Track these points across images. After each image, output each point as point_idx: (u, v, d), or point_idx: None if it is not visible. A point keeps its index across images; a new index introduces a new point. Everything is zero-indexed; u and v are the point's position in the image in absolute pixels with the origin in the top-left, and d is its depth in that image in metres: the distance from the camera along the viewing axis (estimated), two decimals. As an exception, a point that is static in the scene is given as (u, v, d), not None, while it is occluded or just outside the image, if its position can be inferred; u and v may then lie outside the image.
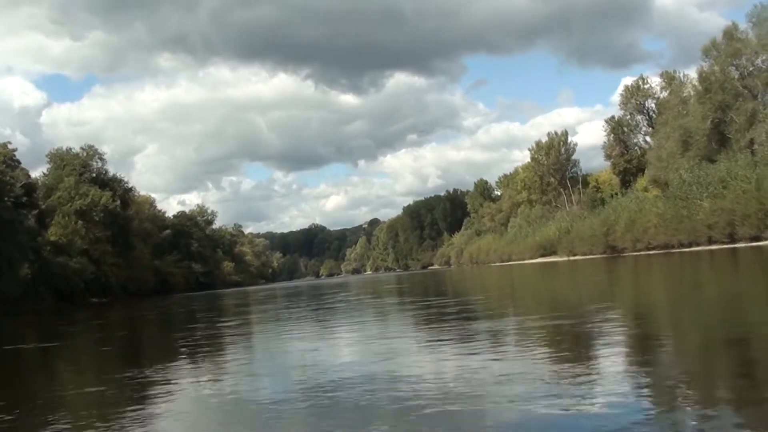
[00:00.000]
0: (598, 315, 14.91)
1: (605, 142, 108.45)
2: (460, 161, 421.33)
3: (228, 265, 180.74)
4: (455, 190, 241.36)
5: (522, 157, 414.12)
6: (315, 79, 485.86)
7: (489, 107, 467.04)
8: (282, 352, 13.62)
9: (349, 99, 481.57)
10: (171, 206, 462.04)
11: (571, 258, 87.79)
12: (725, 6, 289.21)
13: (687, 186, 65.23)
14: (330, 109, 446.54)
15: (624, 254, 73.01)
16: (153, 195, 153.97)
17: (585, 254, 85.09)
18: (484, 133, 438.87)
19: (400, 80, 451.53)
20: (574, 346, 11.01)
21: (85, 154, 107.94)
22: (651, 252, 67.49)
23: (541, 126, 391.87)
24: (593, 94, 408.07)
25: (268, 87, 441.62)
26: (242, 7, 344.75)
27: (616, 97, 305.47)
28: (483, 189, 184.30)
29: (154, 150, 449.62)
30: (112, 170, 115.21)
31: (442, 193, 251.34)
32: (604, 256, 77.73)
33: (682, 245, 63.59)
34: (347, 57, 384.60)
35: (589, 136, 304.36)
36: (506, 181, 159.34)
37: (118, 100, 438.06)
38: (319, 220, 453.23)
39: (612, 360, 9.40)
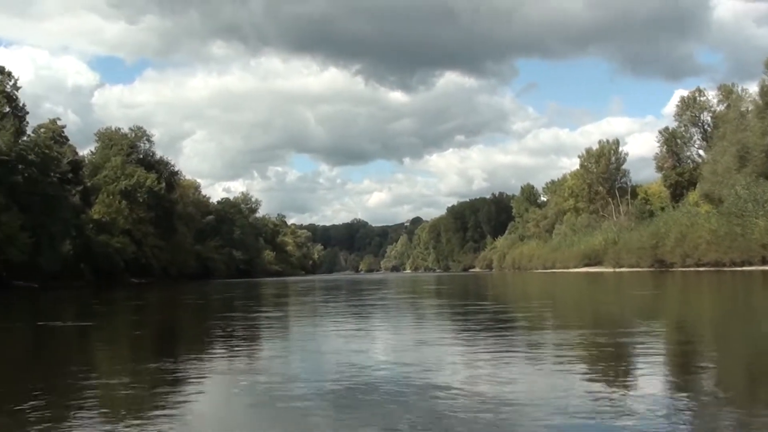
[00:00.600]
0: (646, 331, 14.51)
1: (657, 153, 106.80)
2: (506, 165, 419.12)
3: (269, 254, 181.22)
4: (501, 193, 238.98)
5: (569, 164, 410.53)
6: (365, 74, 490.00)
7: (539, 112, 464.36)
8: (317, 351, 12.74)
9: (398, 96, 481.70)
10: (216, 193, 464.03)
11: (617, 269, 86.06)
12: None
13: (743, 203, 63.37)
14: (378, 105, 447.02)
15: (672, 269, 71.32)
16: (199, 180, 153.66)
17: (631, 266, 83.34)
18: (532, 138, 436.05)
19: (450, 80, 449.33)
20: (614, 362, 10.57)
21: (133, 135, 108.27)
22: (701, 268, 65.72)
23: (591, 134, 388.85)
24: (645, 104, 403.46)
25: (318, 80, 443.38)
26: (296, 0, 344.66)
27: (668, 109, 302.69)
28: (529, 194, 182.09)
29: (202, 136, 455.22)
30: (159, 153, 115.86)
31: (487, 196, 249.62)
32: (652, 269, 76.06)
33: (734, 264, 61.83)
34: (398, 54, 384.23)
35: (639, 146, 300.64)
36: (553, 187, 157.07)
37: (169, 85, 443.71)
38: (361, 216, 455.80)
39: (652, 379, 9.03)
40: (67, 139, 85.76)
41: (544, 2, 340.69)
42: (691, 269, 66.75)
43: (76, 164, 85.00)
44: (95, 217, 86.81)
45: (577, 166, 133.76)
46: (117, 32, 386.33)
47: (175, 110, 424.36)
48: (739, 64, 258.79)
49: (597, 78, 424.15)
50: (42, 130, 79.20)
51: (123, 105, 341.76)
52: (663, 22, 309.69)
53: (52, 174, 70.64)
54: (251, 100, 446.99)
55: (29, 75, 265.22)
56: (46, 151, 70.34)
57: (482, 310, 23.20)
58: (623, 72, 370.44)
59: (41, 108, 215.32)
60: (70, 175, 79.23)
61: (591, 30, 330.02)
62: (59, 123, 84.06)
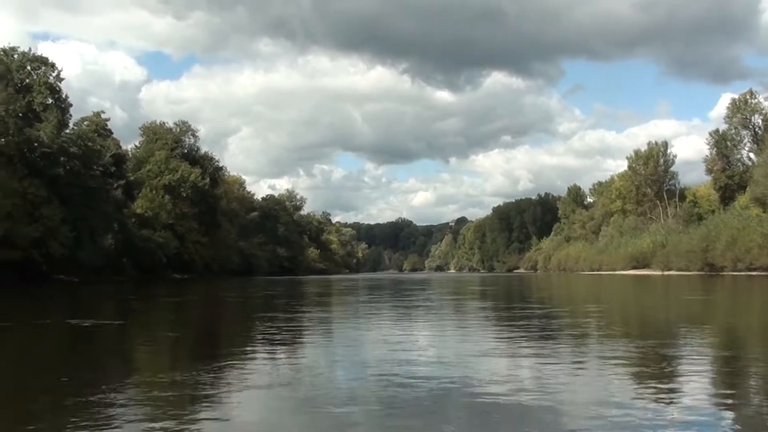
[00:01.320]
0: (698, 340, 14.06)
1: (707, 156, 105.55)
2: (552, 166, 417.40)
3: (313, 252, 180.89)
4: (547, 194, 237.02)
5: (615, 166, 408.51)
6: (412, 73, 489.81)
7: (585, 113, 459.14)
8: (360, 361, 11.76)
9: (444, 95, 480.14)
10: (261, 190, 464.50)
11: (666, 273, 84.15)
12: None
13: (798, 206, 61.38)
14: (425, 104, 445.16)
15: (722, 273, 69.38)
16: (244, 177, 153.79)
17: (680, 270, 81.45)
18: (578, 140, 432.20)
19: (496, 80, 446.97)
20: (662, 370, 10.19)
21: (178, 130, 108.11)
22: (752, 273, 63.75)
23: (637, 136, 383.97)
24: (691, 107, 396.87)
25: (365, 79, 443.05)
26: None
27: (714, 112, 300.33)
28: (576, 195, 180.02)
29: (248, 133, 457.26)
30: (204, 148, 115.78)
31: (532, 197, 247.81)
32: (701, 273, 74.14)
33: (788, 268, 59.98)
34: (445, 53, 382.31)
35: (685, 149, 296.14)
36: (601, 188, 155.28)
37: (216, 81, 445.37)
38: (406, 215, 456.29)
39: (698, 388, 8.71)
40: (111, 132, 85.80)
41: (591, 4, 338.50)
42: (742, 273, 64.76)
43: (120, 158, 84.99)
44: (138, 211, 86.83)
45: (623, 168, 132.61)
46: (165, 27, 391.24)
47: (222, 107, 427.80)
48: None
49: (643, 80, 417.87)
50: (85, 123, 79.32)
51: (170, 101, 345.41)
52: (710, 24, 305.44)
53: (94, 167, 70.55)
54: (298, 97, 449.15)
55: (76, 69, 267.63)
56: (89, 143, 70.30)
57: (529, 314, 22.01)
58: (670, 74, 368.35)
59: (88, 103, 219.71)
60: (113, 169, 79.29)
61: (638, 32, 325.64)
62: (103, 116, 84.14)
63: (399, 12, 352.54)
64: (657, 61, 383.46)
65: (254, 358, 12.04)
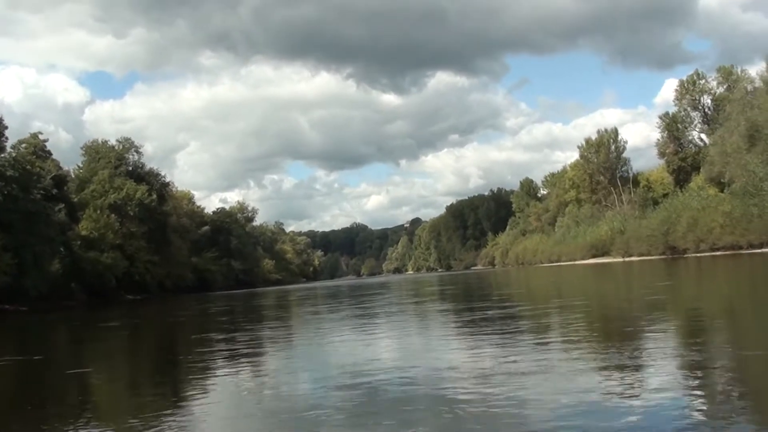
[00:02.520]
0: (669, 327, 13.70)
1: (659, 139, 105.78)
2: (501, 161, 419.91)
3: (268, 263, 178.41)
4: (499, 189, 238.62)
5: (564, 158, 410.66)
6: (357, 78, 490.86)
7: (531, 107, 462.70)
8: (319, 374, 10.93)
9: (390, 98, 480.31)
10: (213, 204, 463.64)
11: (627, 259, 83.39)
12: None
13: (758, 181, 60.44)
14: (372, 108, 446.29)
15: (686, 255, 68.53)
16: (194, 192, 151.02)
17: (641, 255, 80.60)
18: (526, 134, 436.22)
19: (441, 80, 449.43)
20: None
21: (121, 147, 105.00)
22: (716, 253, 62.89)
23: (584, 127, 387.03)
24: (636, 95, 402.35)
25: (311, 86, 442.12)
26: (285, 6, 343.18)
27: (659, 98, 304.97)
28: (529, 188, 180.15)
29: (196, 147, 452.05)
30: (151, 165, 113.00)
31: (485, 193, 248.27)
32: (663, 257, 73.35)
33: (751, 246, 59.11)
34: (389, 56, 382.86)
35: (632, 137, 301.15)
36: (553, 180, 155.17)
37: (160, 97, 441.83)
38: (360, 220, 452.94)
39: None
40: (50, 154, 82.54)
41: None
42: (706, 254, 63.86)
43: (61, 179, 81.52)
44: (83, 233, 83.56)
45: (572, 160, 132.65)
46: (105, 47, 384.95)
47: (168, 123, 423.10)
48: (727, 51, 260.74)
49: (588, 71, 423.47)
50: (23, 145, 76.12)
51: (115, 120, 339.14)
52: (650, 11, 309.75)
53: (33, 190, 67.35)
54: (244, 108, 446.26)
55: (18, 94, 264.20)
56: (27, 166, 67.19)
57: (491, 315, 20.11)
58: (613, 63, 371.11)
59: (31, 127, 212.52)
60: (54, 191, 75.87)
61: (579, 23, 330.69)
62: (41, 137, 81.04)
63: (340, 17, 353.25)
64: (600, 50, 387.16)
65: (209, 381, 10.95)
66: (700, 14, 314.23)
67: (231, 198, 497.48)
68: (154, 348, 19.74)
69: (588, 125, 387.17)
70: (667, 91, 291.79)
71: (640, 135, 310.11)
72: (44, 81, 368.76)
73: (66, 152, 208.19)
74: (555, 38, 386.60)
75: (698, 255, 65.22)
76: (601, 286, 35.64)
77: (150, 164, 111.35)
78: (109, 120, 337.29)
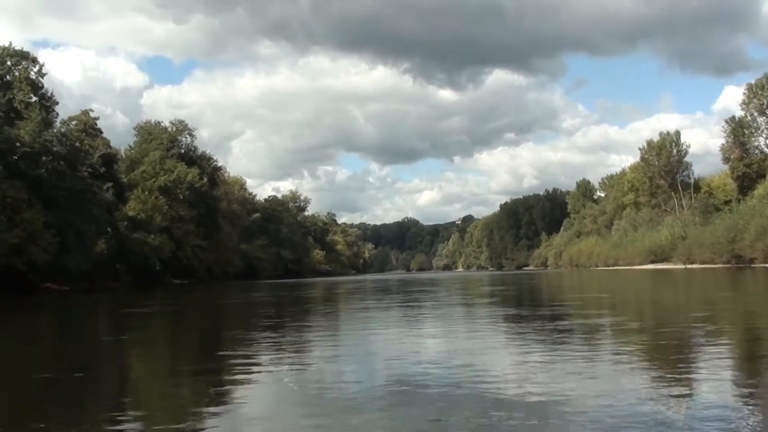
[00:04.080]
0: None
1: (724, 144, 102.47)
2: (556, 162, 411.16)
3: (318, 254, 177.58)
4: (555, 190, 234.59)
5: (619, 161, 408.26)
6: (413, 73, 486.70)
7: (588, 109, 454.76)
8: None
9: (447, 94, 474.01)
10: (266, 192, 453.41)
11: (688, 266, 79.90)
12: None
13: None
14: (427, 103, 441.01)
15: (753, 265, 65.11)
16: (248, 180, 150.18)
17: (704, 263, 77.15)
18: (581, 135, 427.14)
19: (499, 77, 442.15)
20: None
21: (174, 129, 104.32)
22: (787, 264, 59.64)
23: (640, 131, 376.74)
24: (694, 100, 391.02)
25: (367, 79, 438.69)
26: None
27: (717, 105, 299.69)
28: (585, 189, 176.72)
29: (251, 136, 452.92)
30: (205, 149, 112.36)
31: (537, 194, 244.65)
32: (728, 265, 69.96)
33: (827, 258, 55.78)
34: (446, 52, 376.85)
35: (690, 143, 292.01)
36: (611, 182, 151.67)
37: (217, 85, 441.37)
38: (411, 214, 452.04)
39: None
40: (101, 132, 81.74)
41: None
42: (775, 265, 60.64)
43: (110, 158, 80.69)
44: (130, 214, 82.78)
45: (627, 164, 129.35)
46: (164, 32, 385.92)
47: (224, 110, 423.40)
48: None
49: (646, 74, 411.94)
50: (73, 122, 75.21)
51: (172, 105, 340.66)
52: (712, 16, 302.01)
53: (81, 168, 66.17)
54: (300, 99, 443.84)
55: (77, 76, 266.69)
56: (76, 143, 66.02)
57: (562, 327, 17.80)
58: (672, 68, 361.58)
59: (94, 111, 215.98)
60: (102, 170, 75.00)
61: (639, 26, 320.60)
62: (92, 114, 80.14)
63: (399, 11, 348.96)
64: (659, 54, 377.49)
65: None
66: (763, 20, 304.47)
67: (284, 187, 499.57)
68: (182, 348, 17.59)
69: (645, 129, 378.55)
70: (726, 98, 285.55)
71: (698, 142, 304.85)
72: (104, 64, 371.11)
73: (123, 135, 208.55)
74: (614, 40, 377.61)
75: (766, 265, 61.90)
76: (668, 295, 32.88)
77: (206, 150, 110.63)
78: (167, 105, 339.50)
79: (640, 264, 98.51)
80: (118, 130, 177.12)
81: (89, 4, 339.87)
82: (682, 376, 9.04)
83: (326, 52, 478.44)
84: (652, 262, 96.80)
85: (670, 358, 10.73)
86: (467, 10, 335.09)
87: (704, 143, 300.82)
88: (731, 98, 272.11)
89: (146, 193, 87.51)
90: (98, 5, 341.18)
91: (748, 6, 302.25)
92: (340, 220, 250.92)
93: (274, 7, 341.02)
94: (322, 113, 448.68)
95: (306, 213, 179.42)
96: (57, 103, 69.39)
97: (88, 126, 77.37)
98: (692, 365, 10.07)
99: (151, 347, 15.63)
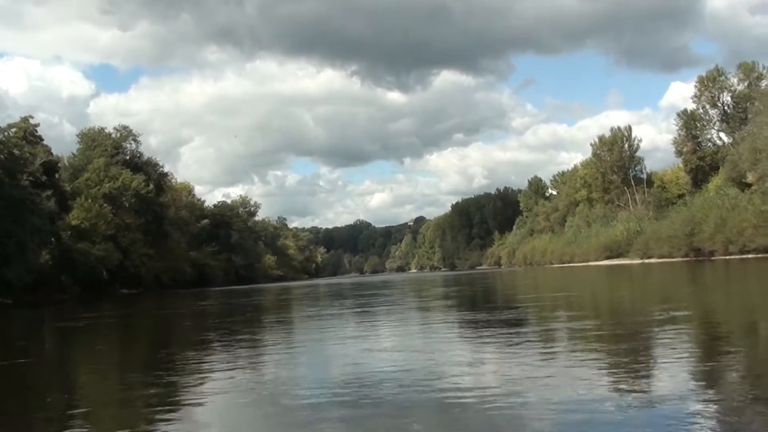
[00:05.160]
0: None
1: (676, 137, 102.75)
2: (506, 162, 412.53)
3: (270, 259, 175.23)
4: (506, 188, 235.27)
5: (568, 158, 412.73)
6: (361, 75, 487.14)
7: (537, 107, 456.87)
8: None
9: (395, 96, 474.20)
10: (216, 199, 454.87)
11: (646, 261, 79.31)
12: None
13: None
14: (376, 105, 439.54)
15: (713, 258, 64.50)
16: (198, 187, 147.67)
17: (662, 257, 76.60)
18: (531, 134, 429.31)
19: (447, 78, 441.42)
20: None
21: (118, 135, 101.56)
22: (748, 256, 58.93)
23: (589, 128, 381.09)
24: (642, 97, 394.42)
25: (315, 82, 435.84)
26: (290, 1, 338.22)
27: (664, 101, 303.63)
28: (537, 187, 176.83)
29: (200, 142, 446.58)
30: (155, 157, 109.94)
31: (488, 193, 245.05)
32: (687, 259, 69.38)
33: (788, 249, 55.21)
34: (394, 54, 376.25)
35: (641, 138, 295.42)
36: (563, 178, 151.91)
37: (165, 91, 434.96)
38: (363, 217, 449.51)
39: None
40: (41, 139, 78.50)
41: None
42: (735, 257, 59.96)
43: (51, 165, 77.42)
44: (73, 223, 79.79)
45: (576, 161, 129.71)
46: (110, 40, 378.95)
47: (172, 117, 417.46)
48: (734, 54, 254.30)
49: (594, 72, 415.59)
50: (12, 129, 72.06)
51: (119, 113, 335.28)
52: (657, 13, 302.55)
53: (20, 176, 63.32)
54: (248, 104, 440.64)
55: (23, 86, 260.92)
56: (15, 150, 63.18)
57: (518, 332, 16.36)
58: (619, 65, 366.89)
59: (36, 119, 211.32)
60: (43, 178, 72.01)
61: (585, 23, 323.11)
62: (32, 121, 76.93)
63: (346, 14, 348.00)
64: (606, 51, 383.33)
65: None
66: (708, 16, 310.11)
67: (234, 193, 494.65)
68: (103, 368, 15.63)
69: (593, 127, 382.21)
70: (673, 94, 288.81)
71: (646, 138, 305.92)
72: (49, 73, 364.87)
73: (70, 145, 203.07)
74: (561, 38, 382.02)
75: (727, 257, 61.31)
76: (630, 292, 31.56)
77: (154, 157, 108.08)
78: (114, 113, 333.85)
79: (596, 260, 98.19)
80: (66, 140, 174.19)
81: (33, 12, 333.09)
82: (641, 377, 8.75)
83: (273, 56, 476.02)
84: (608, 257, 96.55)
85: (637, 359, 10.14)
86: (414, 12, 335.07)
87: (652, 139, 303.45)
88: (678, 94, 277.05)
89: (90, 201, 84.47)
90: (43, 14, 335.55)
91: (693, 2, 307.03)
92: (292, 225, 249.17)
93: (221, 12, 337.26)
94: (271, 118, 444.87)
95: (256, 218, 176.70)
96: (-5, 111, 66.54)
97: (28, 133, 74.22)
98: (655, 365, 9.59)
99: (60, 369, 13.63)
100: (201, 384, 9.87)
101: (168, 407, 8.31)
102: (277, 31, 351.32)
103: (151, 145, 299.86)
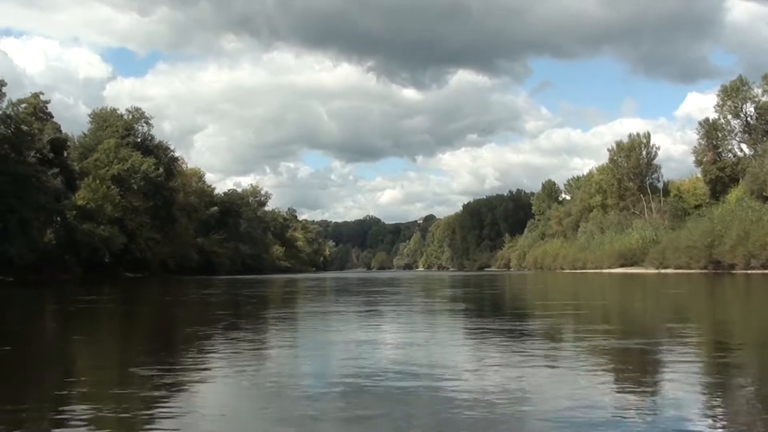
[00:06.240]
0: None
1: (696, 147, 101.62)
2: (518, 164, 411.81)
3: (278, 250, 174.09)
4: (518, 191, 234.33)
5: (581, 164, 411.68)
6: (377, 71, 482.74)
7: (552, 112, 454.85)
8: None
9: (410, 93, 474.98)
10: (227, 187, 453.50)
11: (662, 271, 77.46)
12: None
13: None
14: (391, 102, 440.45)
15: (733, 271, 62.65)
16: (210, 175, 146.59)
17: (679, 268, 74.71)
18: (545, 138, 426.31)
19: (462, 78, 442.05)
20: None
21: (130, 117, 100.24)
22: (770, 271, 57.21)
23: (603, 135, 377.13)
24: (657, 106, 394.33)
25: (331, 76, 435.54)
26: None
27: (680, 111, 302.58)
28: (551, 190, 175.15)
29: (214, 130, 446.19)
30: (166, 141, 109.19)
31: (499, 195, 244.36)
32: (705, 271, 67.56)
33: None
34: (410, 51, 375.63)
35: (659, 145, 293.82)
36: (577, 183, 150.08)
37: (180, 78, 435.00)
38: (373, 213, 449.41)
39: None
40: (51, 116, 77.09)
41: (556, 1, 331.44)
42: (757, 272, 58.13)
43: (59, 143, 76.03)
44: (79, 203, 78.41)
45: (589, 167, 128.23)
46: (129, 23, 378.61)
47: (187, 104, 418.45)
48: (753, 66, 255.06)
49: (610, 78, 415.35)
50: (22, 105, 70.58)
51: (135, 98, 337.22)
52: (677, 22, 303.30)
53: (27, 152, 61.88)
54: (263, 94, 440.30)
55: (40, 66, 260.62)
56: (23, 126, 61.73)
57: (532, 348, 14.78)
58: (636, 73, 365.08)
59: (52, 99, 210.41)
60: (51, 155, 70.61)
61: (604, 29, 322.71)
62: (42, 98, 75.34)
63: (364, 9, 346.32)
64: (623, 58, 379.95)
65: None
66: (728, 27, 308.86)
67: (246, 183, 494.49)
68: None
69: (607, 134, 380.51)
70: (689, 105, 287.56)
71: (660, 147, 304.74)
72: (67, 54, 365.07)
73: (85, 126, 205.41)
74: (579, 43, 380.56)
75: (748, 272, 59.48)
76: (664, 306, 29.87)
77: (165, 141, 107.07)
78: (129, 97, 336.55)
79: (610, 267, 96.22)
80: (80, 121, 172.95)
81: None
82: (647, 390, 8.40)
83: (290, 48, 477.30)
84: (622, 265, 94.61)
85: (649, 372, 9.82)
86: (432, 10, 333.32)
87: (666, 149, 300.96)
88: (694, 104, 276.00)
89: (97, 181, 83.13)
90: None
91: (713, 13, 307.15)
92: (301, 217, 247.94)
93: (239, 1, 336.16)
94: (285, 109, 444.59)
95: (266, 208, 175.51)
96: (5, 84, 65.02)
97: (38, 109, 72.75)
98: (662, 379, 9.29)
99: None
100: (192, 387, 8.76)
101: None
102: (295, 23, 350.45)
103: (165, 131, 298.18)
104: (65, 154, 79.43)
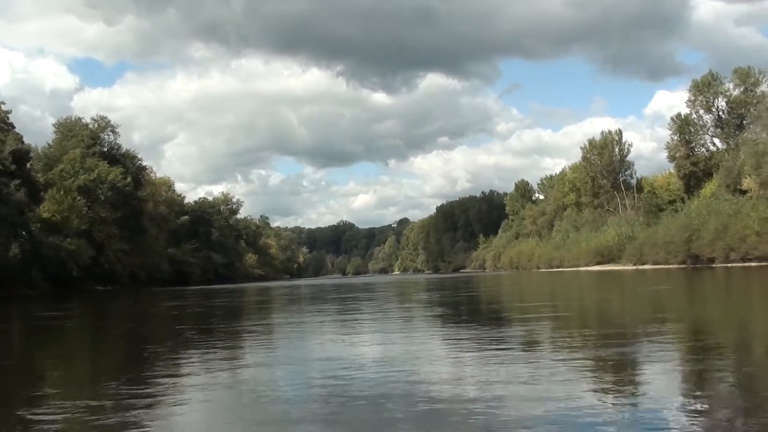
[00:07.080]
0: None
1: (669, 142, 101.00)
2: (490, 166, 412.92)
3: (251, 258, 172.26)
4: (491, 192, 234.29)
5: (552, 164, 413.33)
6: (347, 75, 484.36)
7: (522, 113, 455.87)
8: None
9: (381, 98, 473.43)
10: (199, 196, 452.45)
11: (639, 267, 76.86)
12: (763, 22, 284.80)
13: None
14: (362, 106, 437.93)
15: (713, 265, 62.03)
16: (181, 184, 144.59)
17: (657, 263, 74.13)
18: (516, 139, 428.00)
19: (433, 81, 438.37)
20: None
21: (96, 126, 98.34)
22: (750, 264, 56.52)
23: (574, 135, 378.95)
24: (626, 104, 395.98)
25: (300, 81, 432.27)
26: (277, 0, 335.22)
27: (649, 109, 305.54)
28: (524, 190, 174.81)
29: (184, 139, 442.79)
30: (136, 152, 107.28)
31: (472, 197, 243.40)
32: (684, 266, 66.94)
33: (793, 256, 52.87)
34: (380, 55, 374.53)
35: (631, 142, 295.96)
36: (551, 182, 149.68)
37: (149, 87, 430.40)
38: (347, 218, 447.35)
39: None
40: (13, 127, 75.30)
41: (523, 3, 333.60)
42: (737, 265, 57.52)
43: (21, 154, 73.96)
44: (44, 215, 76.41)
45: (560, 167, 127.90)
46: (95, 33, 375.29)
47: (156, 113, 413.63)
48: (720, 64, 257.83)
49: (579, 78, 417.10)
50: (-16, 116, 68.84)
51: (103, 108, 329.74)
52: (643, 22, 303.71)
53: (-14, 164, 60.14)
54: (233, 102, 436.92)
55: (5, 78, 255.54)
56: (-20, 137, 59.98)
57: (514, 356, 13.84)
58: (604, 72, 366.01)
59: (18, 111, 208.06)
60: (13, 167, 68.67)
61: (572, 30, 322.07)
62: (3, 107, 73.49)
63: (332, 14, 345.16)
64: (592, 58, 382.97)
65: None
66: (694, 26, 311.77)
67: (217, 191, 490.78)
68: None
69: (578, 133, 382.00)
70: (658, 102, 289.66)
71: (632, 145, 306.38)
72: (33, 66, 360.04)
73: (51, 138, 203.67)
74: (547, 44, 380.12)
75: (728, 265, 58.87)
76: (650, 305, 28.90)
77: (134, 150, 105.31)
78: (98, 108, 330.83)
79: (587, 265, 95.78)
80: (47, 133, 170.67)
81: (18, 3, 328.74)
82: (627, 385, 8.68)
83: (259, 54, 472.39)
84: (599, 263, 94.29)
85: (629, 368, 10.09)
86: (401, 14, 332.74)
87: (636, 147, 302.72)
88: (663, 102, 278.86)
89: (62, 193, 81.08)
90: (27, 5, 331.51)
91: (679, 12, 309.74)
92: (274, 224, 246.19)
93: (207, 8, 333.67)
94: (256, 116, 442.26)
95: (238, 216, 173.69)
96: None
97: (-2, 120, 71.07)
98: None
99: None
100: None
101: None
102: (264, 29, 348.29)
103: (134, 141, 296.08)
104: (28, 165, 77.35)
